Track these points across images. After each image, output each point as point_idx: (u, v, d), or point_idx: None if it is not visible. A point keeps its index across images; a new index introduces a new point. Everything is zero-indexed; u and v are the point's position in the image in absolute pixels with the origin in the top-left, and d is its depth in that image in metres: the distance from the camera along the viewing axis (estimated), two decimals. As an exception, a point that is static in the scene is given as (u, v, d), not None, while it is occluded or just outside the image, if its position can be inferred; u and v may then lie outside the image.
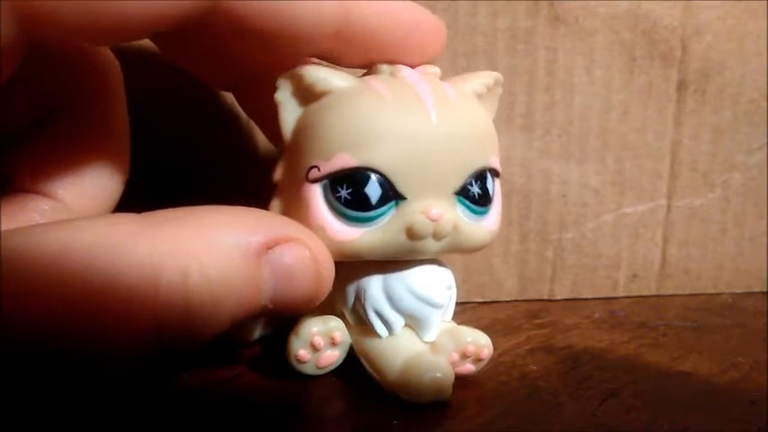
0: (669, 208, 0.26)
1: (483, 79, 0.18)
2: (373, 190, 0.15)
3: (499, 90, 0.18)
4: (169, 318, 0.12)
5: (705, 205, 0.26)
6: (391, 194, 0.16)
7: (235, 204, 0.15)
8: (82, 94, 0.17)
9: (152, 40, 0.19)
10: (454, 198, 0.16)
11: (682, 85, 0.25)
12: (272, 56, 0.17)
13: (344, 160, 0.15)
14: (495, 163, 0.17)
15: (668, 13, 0.24)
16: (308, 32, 0.15)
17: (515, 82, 0.24)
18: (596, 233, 0.25)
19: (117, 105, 0.18)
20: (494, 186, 0.17)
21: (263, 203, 0.17)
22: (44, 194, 0.16)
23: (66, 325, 0.12)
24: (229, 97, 0.22)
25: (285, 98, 0.16)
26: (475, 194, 0.16)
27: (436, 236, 0.16)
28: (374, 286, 0.17)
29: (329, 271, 0.15)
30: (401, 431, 0.15)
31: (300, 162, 0.16)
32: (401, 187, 0.16)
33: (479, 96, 0.17)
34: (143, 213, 0.13)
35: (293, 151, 0.16)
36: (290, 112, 0.16)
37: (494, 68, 0.23)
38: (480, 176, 0.16)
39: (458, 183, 0.16)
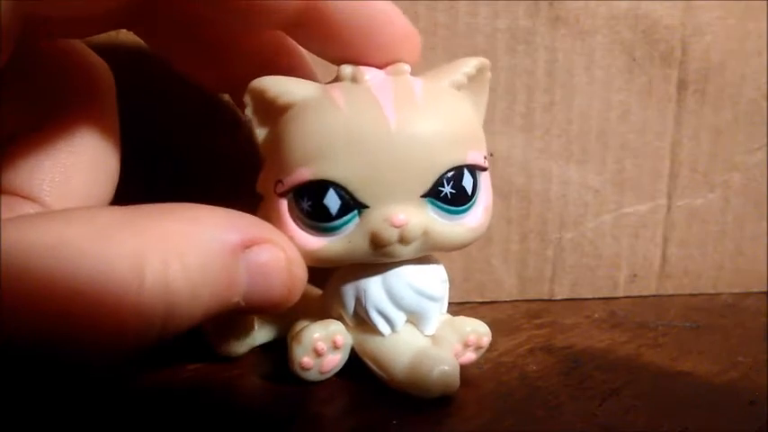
0: (669, 208, 0.26)
1: (463, 68, 0.17)
2: (332, 201, 0.16)
3: (487, 75, 0.18)
4: (152, 307, 0.13)
5: (705, 205, 0.26)
6: (352, 204, 0.16)
7: (233, 207, 0.15)
8: (71, 101, 0.17)
9: (148, 42, 0.19)
10: (423, 201, 0.16)
11: (682, 85, 0.25)
12: (244, 30, 0.17)
13: (302, 174, 0.16)
14: (474, 158, 0.17)
15: (668, 13, 0.24)
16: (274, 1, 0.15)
17: (515, 82, 0.24)
18: (596, 233, 0.25)
19: (107, 112, 0.18)
20: (475, 183, 0.17)
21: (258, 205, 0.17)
22: (30, 198, 0.16)
23: (60, 313, 0.12)
24: (228, 98, 0.22)
25: (253, 115, 0.17)
26: (447, 194, 0.16)
27: (403, 241, 0.16)
28: (374, 286, 0.17)
29: (302, 274, 0.16)
30: (401, 431, 0.15)
31: (271, 175, 0.16)
32: (361, 196, 0.16)
33: (460, 87, 0.17)
34: (126, 206, 0.14)
35: (267, 165, 0.17)
36: (259, 128, 0.17)
37: (494, 68, 0.23)
38: (454, 176, 0.16)
39: (425, 185, 0.16)
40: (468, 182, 0.16)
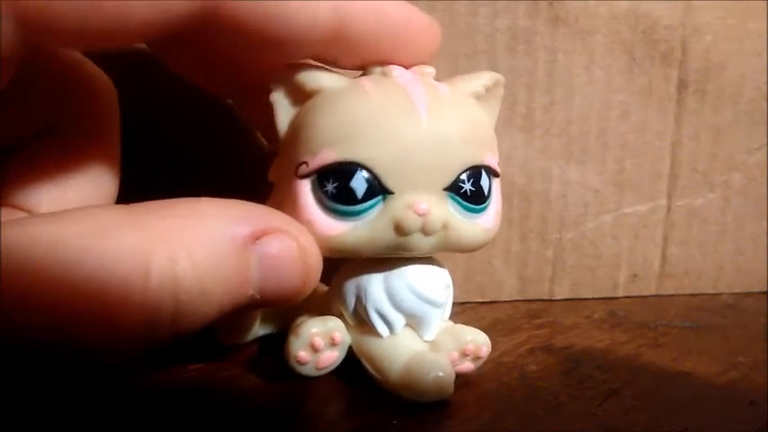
0: (669, 208, 0.26)
1: (482, 80, 0.18)
2: (359, 184, 0.16)
3: (500, 91, 0.18)
4: (160, 304, 0.12)
5: (705, 205, 0.26)
6: (378, 189, 0.16)
7: None
8: (70, 113, 0.17)
9: (151, 48, 0.19)
10: (445, 194, 0.16)
11: (682, 85, 0.25)
12: (268, 59, 0.17)
13: (331, 155, 0.16)
14: (491, 162, 0.17)
15: (668, 13, 0.24)
16: (304, 35, 0.15)
17: (515, 82, 0.24)
18: (596, 233, 0.25)
19: (107, 124, 0.18)
20: (490, 185, 0.17)
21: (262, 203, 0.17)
22: (27, 210, 0.16)
23: (62, 312, 0.12)
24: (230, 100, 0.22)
25: (278, 99, 0.17)
26: (467, 191, 0.16)
27: (425, 231, 0.16)
28: (375, 286, 0.17)
29: (317, 263, 0.15)
30: (401, 431, 0.15)
31: (292, 159, 0.16)
32: (388, 182, 0.16)
33: (478, 97, 0.18)
34: (130, 204, 0.14)
35: (286, 150, 0.17)
36: (283, 112, 0.17)
37: (494, 69, 0.23)
38: (474, 174, 0.16)
39: (448, 178, 0.16)
40: (485, 182, 0.17)
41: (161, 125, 0.22)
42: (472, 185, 0.16)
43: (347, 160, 0.16)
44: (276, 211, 0.15)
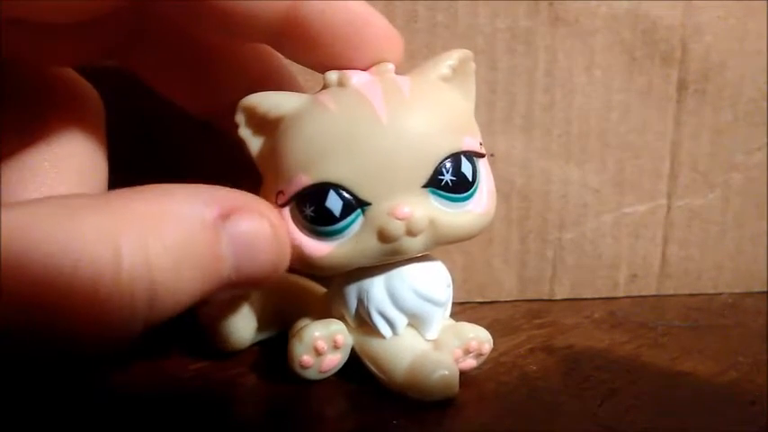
0: (669, 208, 0.26)
1: (447, 61, 0.17)
2: (334, 202, 0.16)
3: (471, 66, 0.18)
4: (134, 286, 0.12)
5: (705, 205, 0.26)
6: (354, 203, 0.16)
7: None
8: (57, 124, 0.17)
9: (137, 72, 0.19)
10: (425, 191, 0.16)
11: (682, 85, 0.25)
12: (225, 39, 0.17)
13: (302, 179, 0.16)
14: (470, 145, 0.17)
15: (668, 13, 0.24)
16: (256, 9, 0.15)
17: (515, 82, 0.24)
18: (596, 233, 0.25)
19: (93, 135, 0.18)
20: (474, 168, 0.17)
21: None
22: None
23: (32, 298, 0.12)
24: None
25: (246, 133, 0.17)
26: (448, 182, 0.16)
27: (411, 233, 0.16)
28: (377, 287, 0.17)
29: (288, 240, 0.16)
30: (401, 431, 0.15)
31: (271, 189, 0.17)
32: (362, 194, 0.16)
33: (446, 79, 0.17)
34: (100, 193, 0.14)
35: (265, 180, 0.17)
36: (254, 145, 0.17)
37: (494, 69, 0.23)
38: (452, 163, 0.16)
39: (424, 175, 0.16)
40: (467, 168, 0.17)
41: (157, 129, 0.22)
42: (453, 175, 0.16)
43: (318, 182, 0.16)
44: (244, 192, 0.15)
